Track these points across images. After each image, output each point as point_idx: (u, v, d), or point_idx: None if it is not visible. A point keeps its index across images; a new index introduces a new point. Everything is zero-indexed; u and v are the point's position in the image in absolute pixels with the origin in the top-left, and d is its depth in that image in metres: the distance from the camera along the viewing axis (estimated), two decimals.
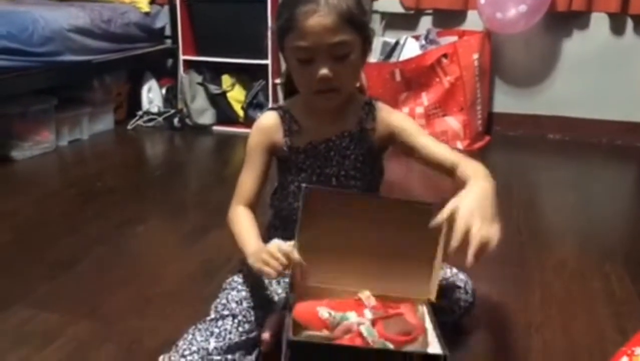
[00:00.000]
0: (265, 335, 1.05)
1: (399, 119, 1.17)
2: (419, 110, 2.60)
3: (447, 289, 1.14)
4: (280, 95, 2.70)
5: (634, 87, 2.70)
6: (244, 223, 1.11)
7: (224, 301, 1.10)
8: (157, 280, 1.44)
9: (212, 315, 1.07)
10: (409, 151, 1.15)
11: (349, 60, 1.02)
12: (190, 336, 1.03)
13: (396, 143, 1.16)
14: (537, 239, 1.71)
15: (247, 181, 1.16)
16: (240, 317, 1.06)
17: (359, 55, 1.04)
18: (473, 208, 0.92)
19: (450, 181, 1.09)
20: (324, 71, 1.01)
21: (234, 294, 1.10)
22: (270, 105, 1.16)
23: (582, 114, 2.81)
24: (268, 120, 1.15)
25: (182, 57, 2.99)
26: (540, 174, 2.44)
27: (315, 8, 0.98)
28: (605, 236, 1.78)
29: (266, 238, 1.11)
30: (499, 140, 2.82)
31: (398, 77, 2.59)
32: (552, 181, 2.33)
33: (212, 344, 1.01)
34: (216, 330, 1.03)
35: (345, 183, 1.14)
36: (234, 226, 1.13)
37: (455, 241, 0.88)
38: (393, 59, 2.66)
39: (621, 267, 1.52)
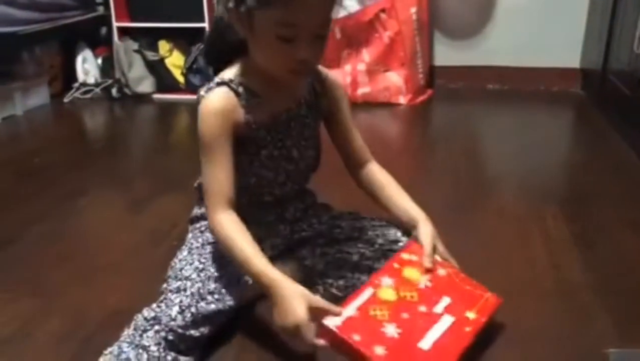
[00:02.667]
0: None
1: (342, 94, 1.17)
2: (361, 67, 2.60)
3: None
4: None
5: (568, 34, 2.78)
6: (245, 248, 0.96)
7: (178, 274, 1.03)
8: (102, 252, 1.42)
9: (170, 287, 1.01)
10: (334, 128, 1.16)
11: (327, 37, 0.96)
12: (147, 313, 0.96)
13: (329, 116, 1.15)
14: (477, 186, 1.77)
15: (220, 177, 0.99)
16: (202, 288, 0.99)
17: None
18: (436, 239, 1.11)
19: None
20: (306, 54, 0.92)
21: (187, 268, 1.05)
22: (215, 81, 1.02)
23: (519, 63, 2.88)
24: (222, 100, 0.99)
25: (115, 24, 2.88)
26: (480, 124, 2.50)
27: None
28: (543, 180, 1.85)
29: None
30: (441, 93, 2.87)
31: (339, 35, 2.58)
32: (493, 130, 2.40)
33: (177, 319, 0.94)
34: (177, 302, 0.96)
35: (304, 154, 1.11)
36: (227, 244, 0.98)
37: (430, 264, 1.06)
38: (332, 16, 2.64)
39: (557, 209, 1.58)
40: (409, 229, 1.13)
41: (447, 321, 0.96)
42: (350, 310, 0.93)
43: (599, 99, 2.50)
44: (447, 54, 2.93)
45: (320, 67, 1.13)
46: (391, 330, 0.92)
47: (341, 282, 1.13)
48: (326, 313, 0.90)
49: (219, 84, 1.01)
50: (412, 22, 2.55)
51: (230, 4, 0.94)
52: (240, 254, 0.96)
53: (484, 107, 2.70)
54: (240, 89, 1.01)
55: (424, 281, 1.03)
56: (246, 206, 1.11)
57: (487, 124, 2.48)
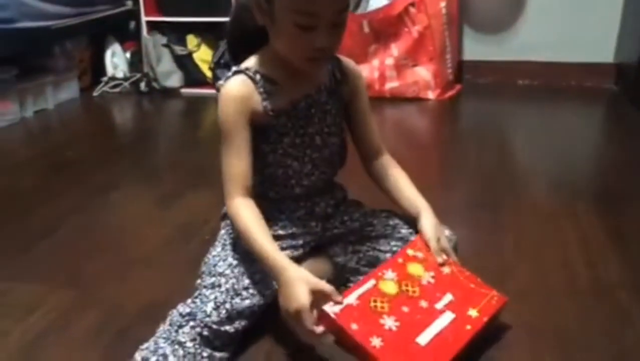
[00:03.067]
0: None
1: (363, 83, 1.17)
2: (389, 61, 2.59)
3: None
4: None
5: (600, 29, 2.72)
6: (256, 231, 0.98)
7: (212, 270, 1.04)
8: (135, 245, 1.43)
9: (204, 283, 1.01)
10: (351, 116, 1.16)
11: (344, 24, 0.97)
12: (182, 309, 0.96)
13: (348, 104, 1.15)
14: (508, 183, 1.74)
15: (238, 164, 1.01)
16: (236, 284, 1.00)
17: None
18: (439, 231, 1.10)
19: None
20: (324, 42, 0.93)
21: (221, 264, 1.05)
22: (232, 70, 1.05)
23: (551, 58, 2.82)
24: (239, 86, 1.01)
25: (144, 18, 2.90)
26: (510, 119, 2.47)
27: None
28: (575, 177, 1.82)
29: None
30: (470, 88, 2.84)
31: (367, 29, 2.56)
32: (523, 126, 2.36)
33: (212, 315, 0.94)
34: (212, 298, 0.97)
35: (327, 141, 1.10)
36: (241, 230, 1.00)
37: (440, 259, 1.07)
38: (360, 10, 2.63)
39: (590, 205, 1.56)
40: (413, 220, 1.12)
41: (447, 318, 0.96)
42: (350, 298, 0.93)
43: (634, 94, 2.45)
44: (476, 49, 2.90)
45: (342, 56, 1.13)
46: (390, 323, 0.92)
47: None
48: (328, 298, 0.91)
49: (236, 72, 1.03)
50: (442, 16, 2.52)
51: None
52: (252, 237, 0.98)
53: (514, 103, 2.66)
54: (258, 77, 1.02)
55: (427, 277, 1.03)
56: (277, 201, 1.12)
57: (517, 120, 2.44)
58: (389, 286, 0.99)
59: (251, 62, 1.05)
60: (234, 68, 1.05)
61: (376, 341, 0.88)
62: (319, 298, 0.90)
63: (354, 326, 0.90)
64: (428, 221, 1.09)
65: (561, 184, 1.73)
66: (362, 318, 0.91)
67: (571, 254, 1.32)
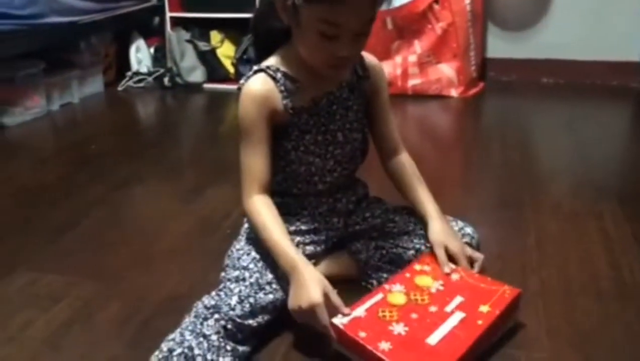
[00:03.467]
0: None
1: (384, 79, 1.18)
2: (412, 58, 2.57)
3: None
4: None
5: (626, 27, 2.67)
6: (272, 229, 1.00)
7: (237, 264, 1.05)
8: (158, 238, 1.45)
9: (229, 276, 1.02)
10: (371, 112, 1.16)
11: (369, 34, 0.98)
12: (207, 301, 0.97)
13: (369, 100, 1.15)
14: (532, 182, 1.72)
15: (257, 162, 1.03)
16: (260, 279, 1.00)
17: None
18: (447, 236, 1.10)
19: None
20: (346, 52, 0.95)
21: (245, 257, 1.06)
22: (253, 69, 1.05)
23: (576, 56, 2.78)
24: (260, 85, 1.02)
25: (168, 14, 2.93)
26: (534, 118, 2.44)
27: None
28: (600, 177, 1.79)
29: None
30: (494, 86, 2.81)
31: (390, 26, 2.55)
32: (547, 124, 2.33)
33: (236, 308, 0.95)
34: (236, 291, 0.97)
35: (349, 137, 1.11)
36: (258, 226, 1.02)
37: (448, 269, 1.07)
38: (384, 7, 2.62)
39: (615, 206, 1.53)
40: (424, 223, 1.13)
41: (458, 317, 0.95)
42: (359, 311, 0.94)
43: None
44: (500, 46, 2.87)
45: (365, 53, 1.13)
46: (399, 329, 0.92)
47: None
48: (335, 310, 0.92)
49: (257, 71, 1.04)
50: (466, 14, 2.50)
51: None
52: (268, 234, 1.00)
53: (538, 101, 2.63)
54: (279, 75, 1.03)
55: (436, 285, 1.03)
56: (300, 197, 1.13)
57: (541, 119, 2.41)
58: (398, 298, 0.99)
59: (273, 60, 1.06)
60: (254, 67, 1.06)
61: (385, 345, 0.88)
62: (328, 305, 0.92)
63: (362, 334, 0.90)
64: (435, 229, 1.10)
65: (585, 184, 1.71)
66: (370, 326, 0.92)
67: (595, 255, 1.30)
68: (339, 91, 1.09)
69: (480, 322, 0.94)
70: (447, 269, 1.06)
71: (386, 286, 1.02)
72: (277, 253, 0.99)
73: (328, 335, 0.93)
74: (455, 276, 1.05)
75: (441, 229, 1.10)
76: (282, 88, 1.03)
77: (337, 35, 0.93)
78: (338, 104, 1.08)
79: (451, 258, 1.08)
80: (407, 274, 1.05)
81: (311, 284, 0.92)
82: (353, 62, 1.04)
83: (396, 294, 1.00)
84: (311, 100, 1.06)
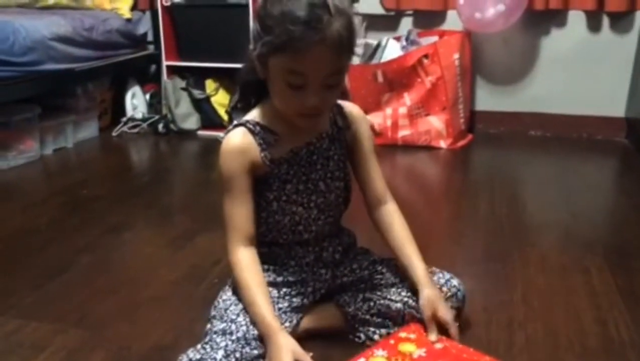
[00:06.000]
0: None
1: (366, 128, 1.19)
2: (402, 110, 2.63)
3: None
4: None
5: (611, 83, 2.75)
6: (253, 288, 1.03)
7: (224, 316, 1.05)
8: (145, 286, 1.45)
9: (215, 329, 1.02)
10: (356, 161, 1.18)
11: (339, 86, 1.01)
12: (192, 355, 0.97)
13: (351, 149, 1.17)
14: (519, 234, 1.74)
15: (239, 212, 1.06)
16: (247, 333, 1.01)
17: (345, 75, 1.02)
18: (438, 304, 1.09)
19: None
20: (314, 101, 0.97)
21: (233, 308, 1.07)
22: (233, 123, 1.10)
23: (562, 110, 2.85)
24: (239, 138, 1.06)
25: (165, 62, 2.99)
26: (522, 170, 2.48)
27: (320, 38, 0.91)
28: (586, 230, 1.81)
29: None
30: (482, 138, 2.86)
31: (380, 79, 2.61)
32: (534, 177, 2.37)
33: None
34: (222, 345, 0.98)
35: (331, 185, 1.13)
36: (240, 283, 1.05)
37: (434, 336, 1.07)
38: (375, 61, 2.69)
39: (601, 260, 1.55)
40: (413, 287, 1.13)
41: None
42: None
43: None
44: (488, 100, 2.94)
45: (344, 102, 1.16)
46: None
47: (383, 330, 1.13)
48: None
49: (236, 125, 1.08)
50: (455, 68, 2.57)
51: (251, 46, 1.01)
52: (249, 294, 1.03)
53: (525, 154, 2.68)
54: (257, 129, 1.07)
55: (418, 352, 1.03)
56: (286, 247, 1.14)
57: (528, 171, 2.45)
58: None
59: (253, 114, 1.09)
60: (234, 122, 1.09)
61: None
62: None
63: None
64: (425, 295, 1.09)
65: (572, 237, 1.73)
66: None
67: (581, 310, 1.31)
68: (319, 141, 1.11)
69: None
70: (433, 338, 1.06)
71: (369, 352, 1.02)
72: (254, 315, 1.01)
73: None
74: (439, 346, 1.05)
75: (432, 296, 1.09)
76: (261, 141, 1.06)
77: (303, 85, 0.96)
78: (318, 154, 1.11)
79: (440, 326, 1.08)
80: (392, 341, 1.06)
81: (282, 352, 0.95)
82: (324, 112, 1.06)
83: (378, 358, 1.00)
84: (290, 151, 1.08)
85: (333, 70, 0.97)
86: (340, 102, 1.15)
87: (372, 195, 1.20)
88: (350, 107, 1.18)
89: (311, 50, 0.92)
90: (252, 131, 1.06)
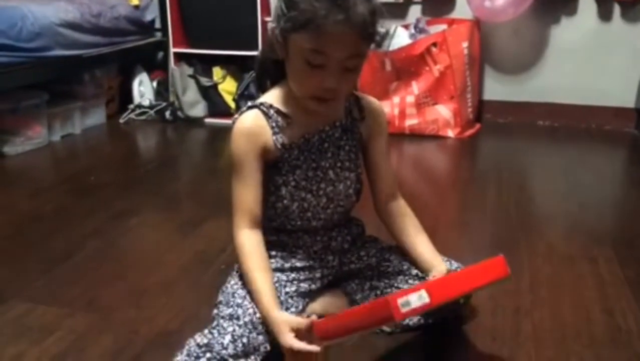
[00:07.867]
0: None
1: (382, 123, 1.18)
2: (410, 99, 2.62)
3: None
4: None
5: (621, 73, 2.73)
6: (255, 269, 1.03)
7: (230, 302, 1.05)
8: (152, 271, 1.45)
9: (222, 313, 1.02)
10: (368, 155, 1.17)
11: (357, 70, 1.00)
12: (199, 339, 0.97)
13: (365, 142, 1.16)
14: (527, 224, 1.74)
15: (247, 194, 1.05)
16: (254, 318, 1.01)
17: (364, 61, 1.01)
18: None
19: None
20: (332, 83, 0.96)
21: (240, 292, 1.06)
22: (247, 105, 1.08)
23: (571, 100, 2.83)
24: (251, 121, 1.05)
25: (172, 49, 2.98)
26: (530, 160, 2.47)
27: (344, 17, 0.90)
28: (594, 221, 1.80)
29: None
30: (490, 127, 2.85)
31: (388, 67, 2.60)
32: (542, 167, 2.36)
33: (229, 348, 0.96)
34: (229, 330, 0.98)
35: (341, 175, 1.12)
36: (243, 266, 1.04)
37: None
38: (383, 49, 2.67)
39: (609, 251, 1.54)
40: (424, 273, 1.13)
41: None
42: None
43: None
44: (497, 89, 2.92)
45: (364, 95, 1.15)
46: None
47: None
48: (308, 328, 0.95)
49: (250, 107, 1.07)
50: (464, 57, 2.56)
51: (271, 24, 1.00)
52: (249, 278, 1.03)
53: (533, 143, 2.66)
54: (271, 112, 1.05)
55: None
56: (294, 234, 1.14)
57: (537, 161, 2.44)
58: None
59: (267, 96, 1.08)
60: (248, 103, 1.08)
61: None
62: (303, 330, 0.94)
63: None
64: (439, 270, 1.09)
65: (580, 228, 1.72)
66: None
67: (588, 300, 1.31)
68: (332, 130, 1.10)
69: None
70: None
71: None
72: (254, 299, 1.02)
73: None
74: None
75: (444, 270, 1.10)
76: (274, 124, 1.05)
77: (323, 65, 0.95)
78: (330, 143, 1.10)
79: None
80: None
81: (279, 326, 0.96)
82: (339, 98, 1.04)
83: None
84: (302, 136, 1.08)
85: (354, 52, 0.96)
86: (359, 93, 1.15)
87: (381, 190, 1.19)
88: (370, 100, 1.17)
89: (334, 29, 0.91)
90: (265, 114, 1.05)
